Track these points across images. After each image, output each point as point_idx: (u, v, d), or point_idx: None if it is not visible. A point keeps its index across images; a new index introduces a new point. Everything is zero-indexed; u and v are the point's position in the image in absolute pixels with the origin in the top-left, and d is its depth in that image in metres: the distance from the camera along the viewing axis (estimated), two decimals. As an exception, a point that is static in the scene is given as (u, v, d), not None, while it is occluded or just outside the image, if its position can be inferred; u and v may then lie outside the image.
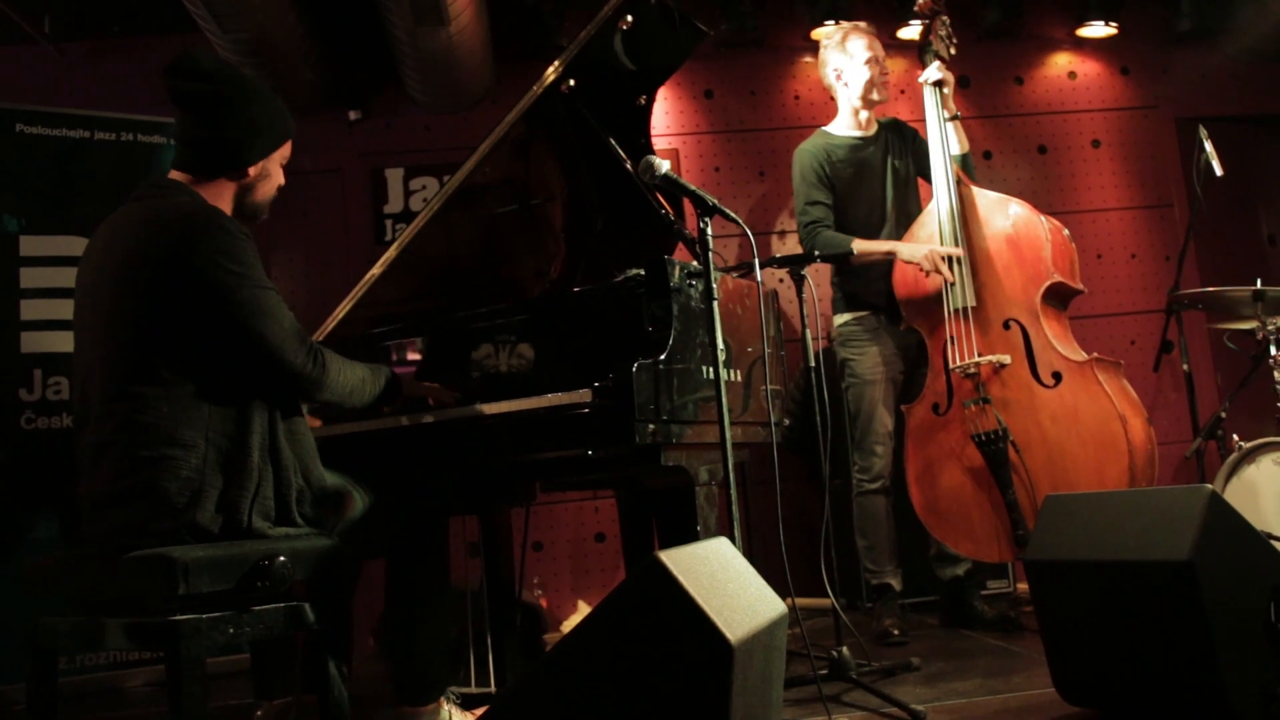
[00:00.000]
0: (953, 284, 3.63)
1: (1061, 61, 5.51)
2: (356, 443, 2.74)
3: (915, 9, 4.03)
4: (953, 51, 3.95)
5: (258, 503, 2.16)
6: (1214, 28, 5.34)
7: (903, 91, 5.35)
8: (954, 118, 3.86)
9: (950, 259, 3.65)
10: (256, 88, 2.36)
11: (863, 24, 3.98)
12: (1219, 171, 4.16)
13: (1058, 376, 3.50)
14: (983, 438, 3.53)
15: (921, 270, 3.66)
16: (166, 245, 2.16)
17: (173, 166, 2.34)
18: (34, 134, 4.18)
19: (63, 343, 4.07)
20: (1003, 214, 3.71)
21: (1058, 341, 3.54)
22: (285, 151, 2.42)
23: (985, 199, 3.76)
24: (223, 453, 2.15)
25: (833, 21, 4.93)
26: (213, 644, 2.00)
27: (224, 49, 4.23)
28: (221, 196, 2.32)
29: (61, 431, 4.05)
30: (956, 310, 3.63)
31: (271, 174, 2.40)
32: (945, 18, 3.95)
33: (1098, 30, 5.34)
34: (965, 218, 3.72)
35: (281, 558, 2.09)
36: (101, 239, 2.30)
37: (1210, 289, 4.09)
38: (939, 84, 3.85)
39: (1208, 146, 4.17)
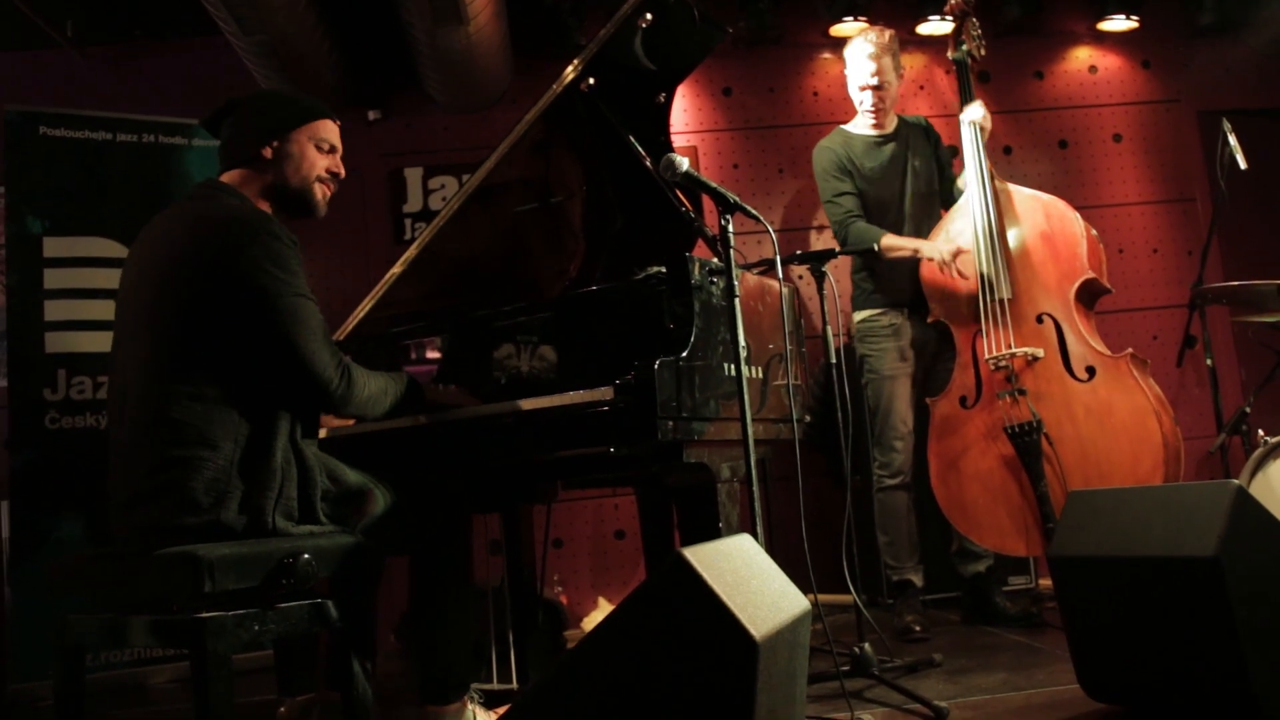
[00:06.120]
0: (968, 277, 3.64)
1: (1082, 56, 5.47)
2: (379, 441, 2.75)
3: (946, 9, 4.01)
4: (982, 52, 3.94)
5: (281, 503, 2.18)
6: (1236, 21, 5.29)
7: (921, 87, 5.34)
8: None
9: (977, 255, 3.66)
10: (269, 89, 2.42)
11: (874, 37, 3.88)
12: (1243, 165, 4.12)
13: (1091, 371, 3.52)
14: (1016, 429, 3.52)
15: (938, 266, 3.66)
16: (213, 246, 2.19)
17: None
18: (57, 136, 4.21)
19: (86, 343, 4.10)
20: (1039, 210, 3.73)
21: (1090, 337, 3.55)
22: (317, 132, 2.42)
23: (1021, 194, 3.78)
24: (246, 456, 2.17)
25: (852, 18, 4.92)
26: (238, 641, 2.01)
27: (244, 51, 4.25)
28: (252, 185, 2.36)
29: (86, 431, 4.08)
30: (991, 302, 3.63)
31: (300, 154, 2.39)
32: (974, 19, 3.93)
33: (1118, 24, 5.29)
34: (1000, 212, 3.72)
35: (306, 555, 2.10)
36: (148, 237, 2.33)
37: (1234, 283, 4.06)
38: (978, 124, 3.83)
39: (1232, 140, 4.13)
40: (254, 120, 2.38)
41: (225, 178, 2.38)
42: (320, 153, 2.43)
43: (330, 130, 2.46)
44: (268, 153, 2.36)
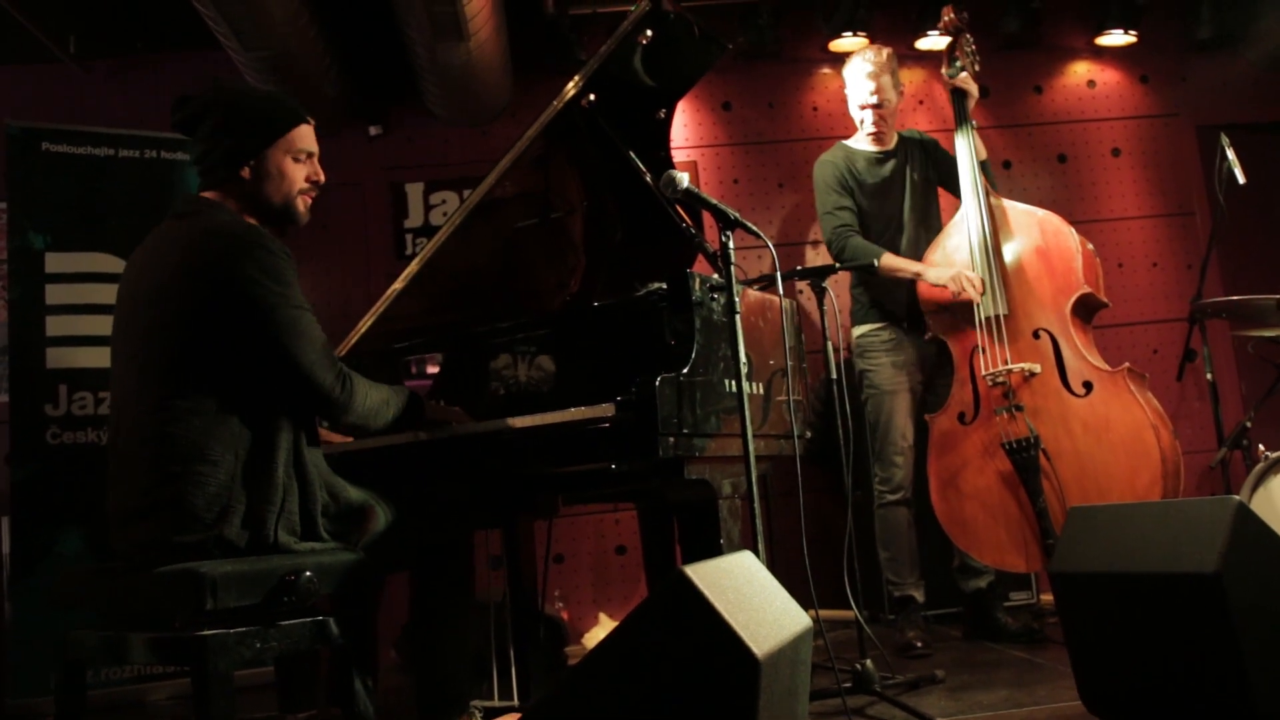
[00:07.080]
0: (980, 302, 3.64)
1: (1080, 70, 5.49)
2: (380, 457, 2.75)
3: (940, 26, 4.02)
4: (977, 69, 3.96)
5: (284, 517, 2.18)
6: (1234, 35, 5.31)
7: (920, 102, 5.35)
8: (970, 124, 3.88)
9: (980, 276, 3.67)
10: (244, 93, 2.35)
11: (872, 56, 3.90)
12: (1241, 179, 4.13)
13: (1088, 386, 3.52)
14: (1014, 445, 3.52)
15: (949, 292, 3.66)
16: (209, 261, 2.18)
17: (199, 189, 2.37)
18: (59, 152, 4.22)
19: (88, 358, 4.10)
20: (1034, 225, 3.73)
21: (1087, 352, 3.55)
22: (293, 144, 2.35)
23: (1016, 210, 3.79)
24: (248, 468, 2.16)
25: (851, 33, 4.94)
26: (239, 659, 2.01)
27: (245, 66, 4.27)
28: (235, 201, 2.32)
29: (87, 446, 4.08)
30: (987, 319, 3.64)
31: (278, 171, 2.33)
32: (968, 35, 3.95)
33: (1117, 39, 5.31)
34: (996, 228, 3.73)
35: (308, 572, 2.10)
36: (143, 254, 2.32)
37: (1234, 297, 4.06)
38: (965, 93, 3.85)
39: (1230, 154, 4.14)
40: (227, 139, 2.31)
41: (207, 194, 2.34)
42: (298, 164, 2.37)
43: (305, 136, 2.38)
44: (245, 173, 2.31)
